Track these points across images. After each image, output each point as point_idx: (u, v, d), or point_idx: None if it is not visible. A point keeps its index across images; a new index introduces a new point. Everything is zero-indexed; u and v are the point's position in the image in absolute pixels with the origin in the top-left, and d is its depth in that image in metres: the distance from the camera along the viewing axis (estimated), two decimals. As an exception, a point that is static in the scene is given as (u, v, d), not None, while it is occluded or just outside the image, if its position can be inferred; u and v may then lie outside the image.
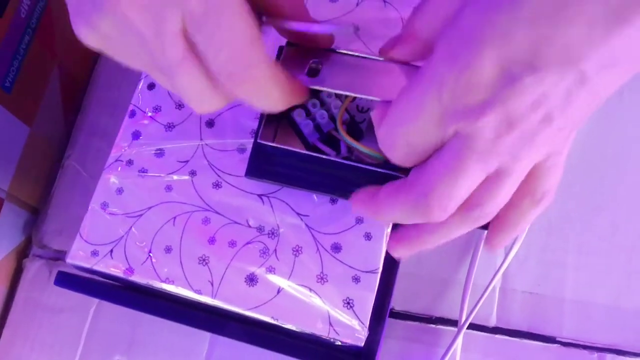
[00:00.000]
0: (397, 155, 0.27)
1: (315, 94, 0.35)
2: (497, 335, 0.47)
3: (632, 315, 0.47)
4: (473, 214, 0.27)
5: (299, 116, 0.35)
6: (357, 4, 0.40)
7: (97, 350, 0.48)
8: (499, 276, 0.48)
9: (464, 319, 0.46)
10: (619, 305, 0.47)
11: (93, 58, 0.57)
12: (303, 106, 0.35)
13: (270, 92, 0.27)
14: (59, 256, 0.51)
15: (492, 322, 0.48)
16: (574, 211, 0.50)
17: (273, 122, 0.36)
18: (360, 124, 0.36)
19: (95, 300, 0.49)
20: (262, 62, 0.26)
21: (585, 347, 0.46)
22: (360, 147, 0.33)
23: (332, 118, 0.35)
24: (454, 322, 0.47)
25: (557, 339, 0.47)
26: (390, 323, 0.47)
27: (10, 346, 0.49)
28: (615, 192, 0.50)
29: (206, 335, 0.47)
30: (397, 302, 0.48)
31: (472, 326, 0.47)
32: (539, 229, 0.49)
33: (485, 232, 0.49)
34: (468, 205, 0.26)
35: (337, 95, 0.35)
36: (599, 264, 0.48)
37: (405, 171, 0.32)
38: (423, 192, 0.26)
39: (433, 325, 0.47)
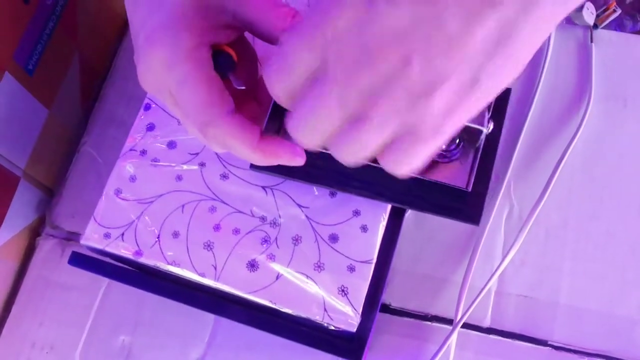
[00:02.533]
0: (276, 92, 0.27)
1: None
2: (490, 336, 0.48)
3: (623, 323, 0.48)
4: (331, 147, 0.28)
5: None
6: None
7: (103, 329, 0.50)
8: (495, 279, 0.50)
9: (459, 317, 0.47)
10: (612, 312, 0.48)
11: (113, 49, 0.59)
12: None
13: (234, 146, 0.31)
14: (71, 237, 0.53)
15: (487, 323, 0.49)
16: (571, 219, 0.51)
17: (278, 117, 0.38)
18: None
19: (105, 282, 0.51)
20: (220, 120, 0.30)
21: (576, 351, 0.48)
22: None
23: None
24: (449, 321, 0.48)
25: (549, 342, 0.48)
26: (386, 319, 0.48)
27: (20, 321, 0.51)
28: (612, 202, 0.51)
29: (209, 320, 0.49)
30: (394, 299, 0.49)
31: (467, 326, 0.49)
32: (537, 235, 0.50)
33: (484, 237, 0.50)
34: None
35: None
36: (594, 271, 0.49)
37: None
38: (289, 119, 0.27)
39: (428, 323, 0.49)
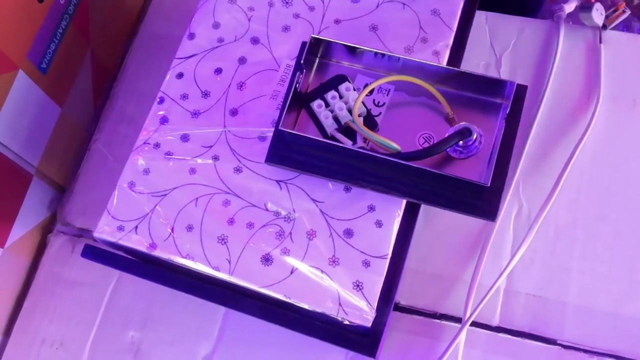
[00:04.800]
0: None
1: (335, 87, 0.37)
2: (499, 334, 0.49)
3: (632, 322, 0.48)
4: None
5: (318, 107, 0.37)
6: (377, 5, 0.42)
7: (113, 324, 0.50)
8: (504, 277, 0.50)
9: (467, 316, 0.47)
10: (620, 311, 0.48)
11: (124, 48, 0.60)
12: (323, 98, 0.37)
13: None
14: (82, 233, 0.53)
15: (495, 322, 0.49)
16: (580, 218, 0.51)
17: (294, 112, 0.38)
18: (375, 117, 0.38)
19: (114, 277, 0.51)
20: None
21: (585, 350, 0.48)
22: (376, 137, 0.35)
23: (350, 110, 0.37)
24: (457, 319, 0.49)
25: (558, 341, 0.48)
26: (396, 316, 0.49)
27: (31, 317, 0.51)
28: (620, 202, 0.51)
29: (219, 316, 0.49)
30: (404, 297, 0.49)
31: (476, 324, 0.49)
32: (546, 234, 0.51)
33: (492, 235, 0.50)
34: None
35: (355, 89, 0.37)
36: (603, 270, 0.49)
37: (418, 159, 0.34)
38: None
39: (437, 321, 0.49)
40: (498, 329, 0.49)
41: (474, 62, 0.58)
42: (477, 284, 0.48)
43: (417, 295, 0.49)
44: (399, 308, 0.49)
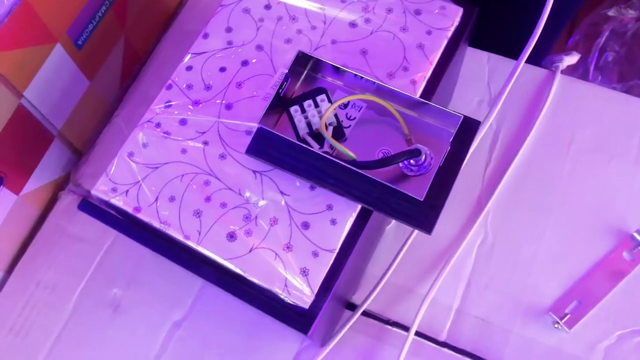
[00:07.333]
0: None
1: (313, 97, 0.43)
2: (444, 349, 0.53)
3: (570, 358, 0.52)
4: None
5: (295, 112, 0.42)
6: (371, 33, 0.47)
7: (101, 280, 0.56)
8: (458, 297, 0.54)
9: (414, 326, 0.51)
10: (561, 348, 0.52)
11: (156, 39, 0.66)
12: (301, 105, 0.42)
13: None
14: (89, 196, 0.59)
15: (443, 337, 0.53)
16: (538, 254, 0.55)
17: (276, 114, 0.44)
18: (345, 128, 0.43)
19: (110, 238, 0.57)
20: None
21: (520, 376, 0.51)
22: (338, 146, 0.40)
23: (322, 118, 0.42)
24: (407, 328, 0.53)
25: (497, 364, 0.52)
26: (350, 316, 0.53)
27: (32, 261, 0.58)
28: (580, 242, 0.55)
29: (195, 288, 0.55)
30: (361, 299, 0.54)
31: (424, 337, 0.53)
32: (505, 265, 0.55)
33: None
34: None
35: (330, 101, 0.42)
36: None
37: (369, 169, 0.39)
38: None
39: (389, 327, 0.53)
40: (444, 344, 0.53)
41: (469, 97, 0.62)
42: (430, 299, 0.52)
43: (375, 301, 0.54)
44: (354, 308, 0.54)
